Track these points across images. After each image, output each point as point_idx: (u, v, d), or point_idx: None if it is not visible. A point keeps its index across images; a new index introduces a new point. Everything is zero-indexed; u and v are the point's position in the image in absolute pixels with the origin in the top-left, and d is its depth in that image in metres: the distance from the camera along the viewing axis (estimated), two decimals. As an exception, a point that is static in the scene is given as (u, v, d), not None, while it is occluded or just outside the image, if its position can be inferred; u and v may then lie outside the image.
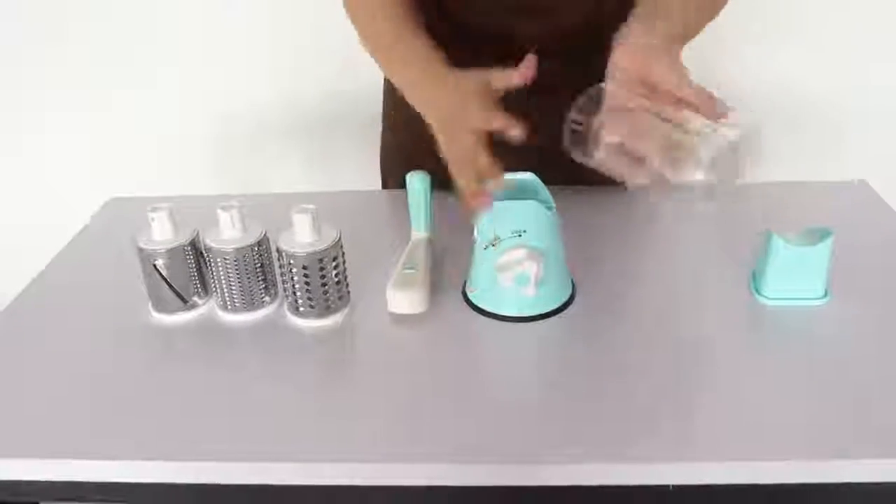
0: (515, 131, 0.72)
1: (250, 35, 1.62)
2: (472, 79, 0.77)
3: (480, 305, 0.80)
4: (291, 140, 1.75)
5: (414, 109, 0.84)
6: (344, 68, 1.55)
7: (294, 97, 1.69)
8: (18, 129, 1.75)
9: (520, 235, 0.76)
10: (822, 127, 1.66)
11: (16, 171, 1.80)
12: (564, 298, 0.80)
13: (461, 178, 0.76)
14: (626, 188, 0.68)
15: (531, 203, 0.76)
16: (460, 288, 0.83)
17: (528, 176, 0.80)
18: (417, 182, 0.86)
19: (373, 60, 0.90)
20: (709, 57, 1.51)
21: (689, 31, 0.78)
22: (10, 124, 1.74)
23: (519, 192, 0.78)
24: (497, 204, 0.76)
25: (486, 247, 0.78)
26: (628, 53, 0.69)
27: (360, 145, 1.45)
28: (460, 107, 0.76)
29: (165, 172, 1.76)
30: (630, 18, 0.75)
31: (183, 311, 0.81)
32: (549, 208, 0.77)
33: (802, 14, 1.54)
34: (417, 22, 0.88)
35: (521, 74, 0.74)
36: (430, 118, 0.81)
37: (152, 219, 0.78)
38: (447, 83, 0.79)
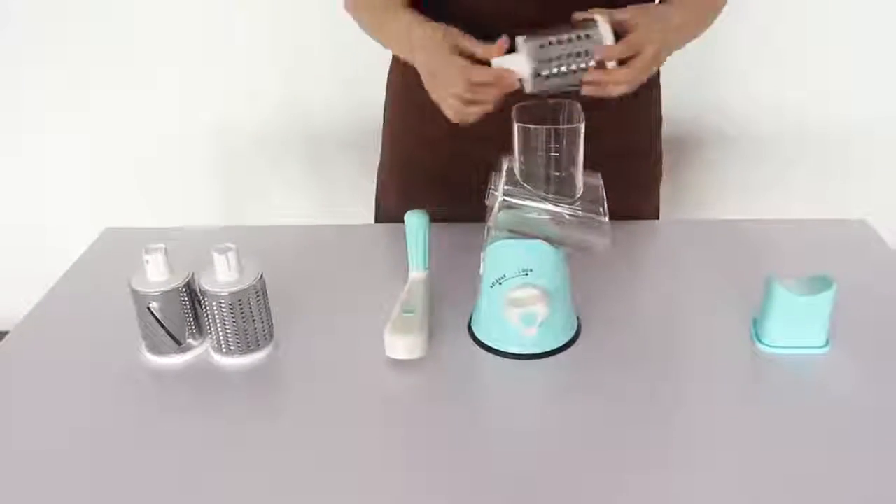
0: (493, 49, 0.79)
1: (251, 40, 1.61)
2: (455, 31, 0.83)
3: (486, 342, 0.80)
4: (292, 149, 1.74)
5: (411, 150, 0.84)
6: (350, 77, 1.55)
7: (296, 107, 1.69)
8: (17, 130, 1.74)
9: (526, 274, 0.76)
10: (823, 162, 1.66)
11: (14, 180, 1.79)
12: (567, 338, 0.81)
13: (452, 92, 0.80)
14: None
15: (538, 243, 0.76)
16: (458, 328, 0.83)
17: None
18: (415, 220, 0.85)
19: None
20: (712, 86, 1.52)
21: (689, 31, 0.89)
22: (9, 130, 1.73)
23: None
24: (505, 242, 0.76)
25: (493, 284, 0.77)
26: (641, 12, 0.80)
27: (361, 154, 1.45)
28: (442, 34, 0.82)
29: (166, 175, 1.76)
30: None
31: (177, 353, 0.80)
32: (557, 249, 0.77)
33: (805, 47, 1.54)
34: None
35: (486, 50, 0.80)
36: (417, 52, 0.85)
37: (146, 261, 0.77)
38: (432, 25, 0.85)
